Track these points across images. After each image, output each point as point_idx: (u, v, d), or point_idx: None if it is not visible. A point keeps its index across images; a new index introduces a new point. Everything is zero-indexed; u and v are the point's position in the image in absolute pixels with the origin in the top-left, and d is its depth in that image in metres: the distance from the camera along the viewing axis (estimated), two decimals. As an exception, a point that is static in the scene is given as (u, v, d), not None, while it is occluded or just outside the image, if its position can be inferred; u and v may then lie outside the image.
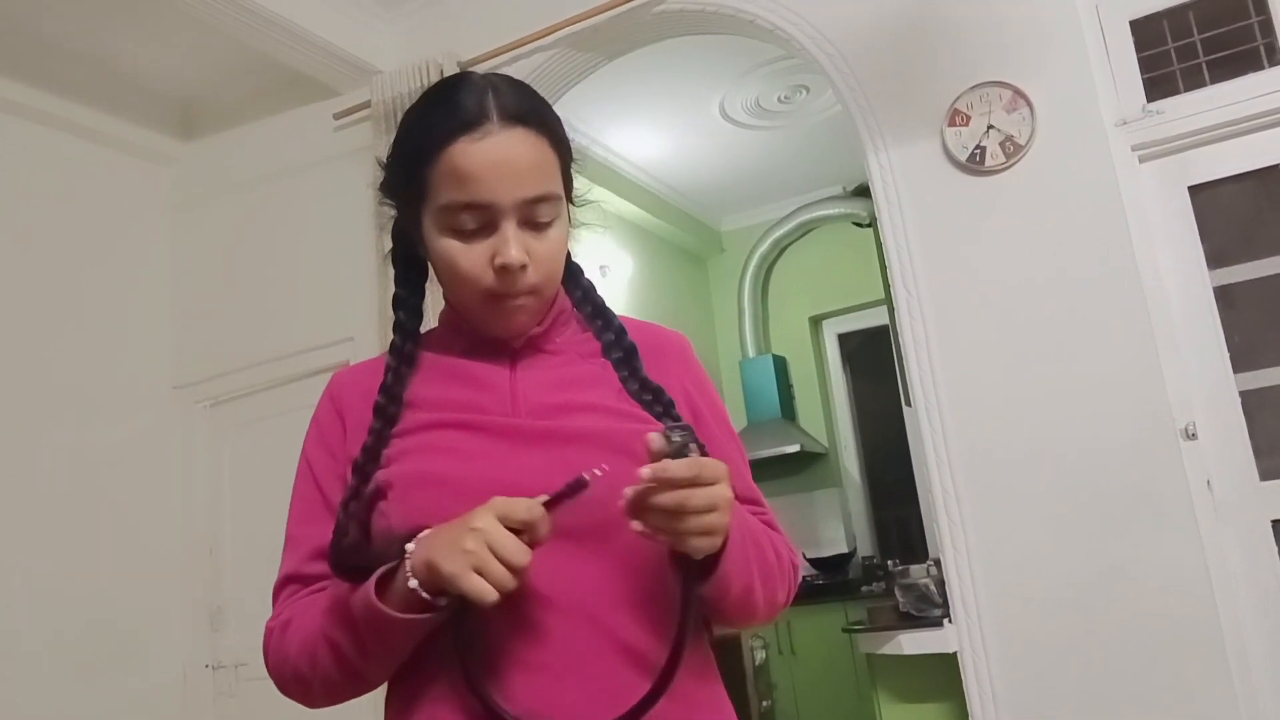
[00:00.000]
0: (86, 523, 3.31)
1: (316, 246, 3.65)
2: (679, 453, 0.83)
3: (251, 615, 3.50)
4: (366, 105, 3.50)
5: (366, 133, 3.49)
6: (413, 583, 0.84)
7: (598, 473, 0.83)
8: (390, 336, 1.06)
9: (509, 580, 0.82)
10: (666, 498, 0.82)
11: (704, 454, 0.87)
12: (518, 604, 0.87)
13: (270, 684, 0.99)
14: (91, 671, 3.21)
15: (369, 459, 0.97)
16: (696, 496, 0.83)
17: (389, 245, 1.09)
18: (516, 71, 3.38)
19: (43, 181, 3.47)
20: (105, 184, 3.71)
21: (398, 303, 1.06)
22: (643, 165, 5.31)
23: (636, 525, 0.84)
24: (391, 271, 1.09)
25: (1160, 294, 2.61)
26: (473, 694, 0.87)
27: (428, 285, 1.08)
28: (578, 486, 0.84)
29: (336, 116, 3.61)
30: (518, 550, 0.82)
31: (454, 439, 0.96)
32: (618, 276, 5.13)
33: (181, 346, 3.81)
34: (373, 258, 3.37)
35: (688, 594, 0.89)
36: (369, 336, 3.36)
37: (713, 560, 0.88)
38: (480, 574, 0.81)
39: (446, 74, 3.30)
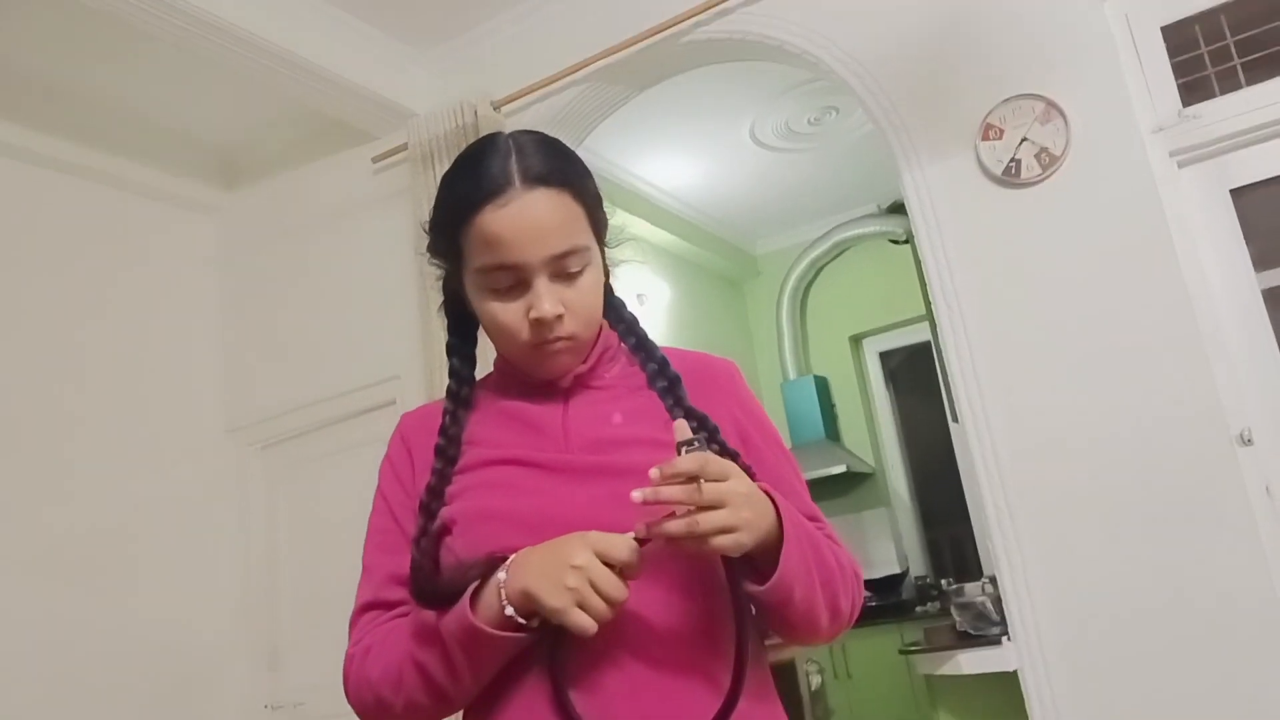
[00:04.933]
0: (144, 567, 3.37)
1: (360, 288, 3.71)
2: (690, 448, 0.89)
3: (309, 655, 3.54)
4: (403, 148, 3.56)
5: (405, 174, 3.56)
6: (509, 610, 0.89)
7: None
8: (440, 373, 1.12)
9: (609, 614, 0.88)
10: (673, 490, 0.87)
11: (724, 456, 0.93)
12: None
13: None
14: (153, 714, 3.24)
15: (433, 497, 1.03)
16: (705, 490, 0.87)
17: (439, 299, 1.15)
18: (549, 108, 3.43)
19: (91, 236, 3.56)
20: (152, 236, 3.81)
21: (451, 350, 1.14)
22: (675, 193, 5.34)
23: (641, 530, 0.89)
24: (440, 319, 1.16)
25: (1207, 299, 2.57)
26: (559, 703, 0.92)
27: (478, 333, 1.15)
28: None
29: (375, 160, 3.69)
30: (618, 587, 0.88)
31: (511, 475, 1.03)
32: (655, 304, 5.15)
33: (231, 391, 3.89)
34: (415, 296, 3.42)
35: (741, 610, 0.94)
36: (414, 373, 3.40)
37: (772, 563, 0.92)
38: (582, 608, 0.87)
39: (480, 114, 3.36)
